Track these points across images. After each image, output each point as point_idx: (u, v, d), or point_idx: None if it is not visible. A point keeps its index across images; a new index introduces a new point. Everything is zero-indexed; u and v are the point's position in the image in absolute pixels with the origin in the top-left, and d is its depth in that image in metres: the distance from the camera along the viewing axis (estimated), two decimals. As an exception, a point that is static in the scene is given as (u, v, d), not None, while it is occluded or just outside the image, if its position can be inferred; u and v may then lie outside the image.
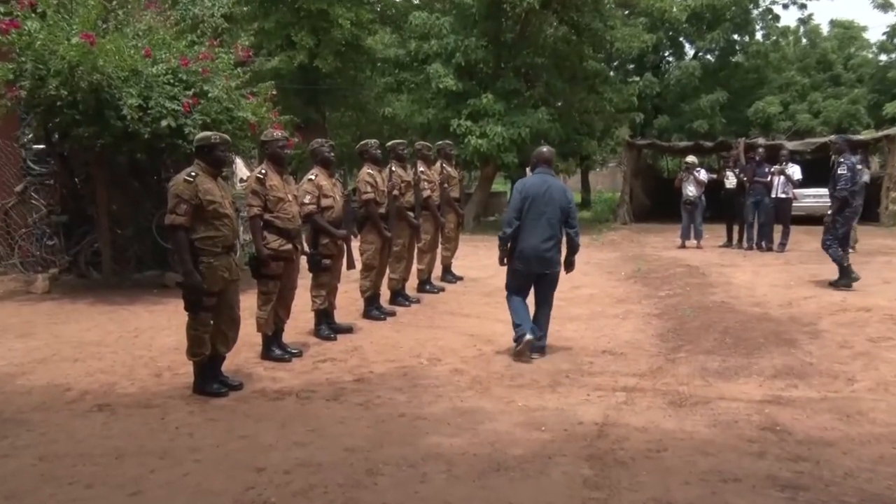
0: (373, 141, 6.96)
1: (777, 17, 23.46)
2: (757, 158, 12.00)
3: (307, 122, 17.27)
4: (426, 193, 7.69)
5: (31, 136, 9.20)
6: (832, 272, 8.18)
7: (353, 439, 3.78)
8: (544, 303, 5.56)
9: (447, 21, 15.80)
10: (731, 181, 12.47)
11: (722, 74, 22.60)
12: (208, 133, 4.79)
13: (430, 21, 15.69)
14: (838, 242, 8.00)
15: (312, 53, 16.96)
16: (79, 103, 7.20)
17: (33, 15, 7.50)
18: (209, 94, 7.77)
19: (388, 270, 7.17)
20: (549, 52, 16.43)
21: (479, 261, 10.28)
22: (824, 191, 8.98)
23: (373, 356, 5.49)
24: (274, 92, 9.60)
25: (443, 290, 8.38)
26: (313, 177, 5.85)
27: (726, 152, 15.24)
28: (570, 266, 5.59)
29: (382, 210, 6.71)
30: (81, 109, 7.26)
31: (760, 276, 9.20)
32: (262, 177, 5.13)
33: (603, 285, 8.84)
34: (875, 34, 47.52)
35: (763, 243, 11.77)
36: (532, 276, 5.45)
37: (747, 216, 11.94)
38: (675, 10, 20.29)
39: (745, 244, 12.06)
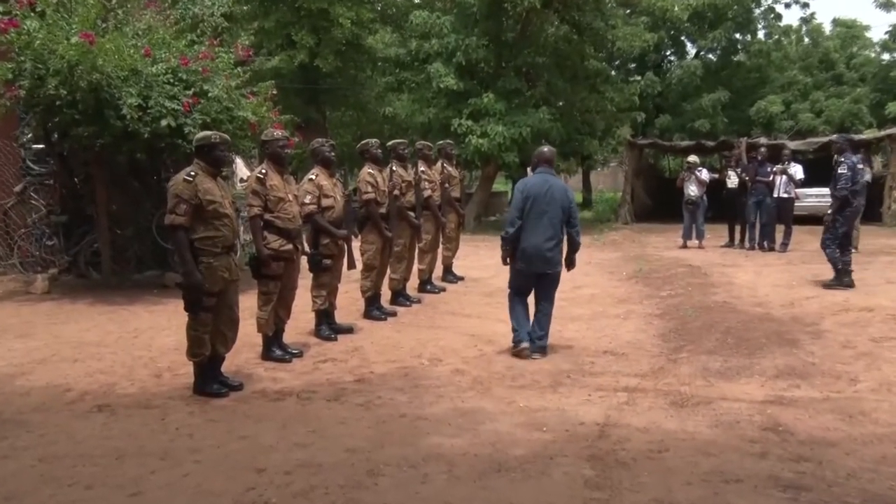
0: (373, 140, 6.94)
1: (779, 16, 23.40)
2: (759, 158, 11.97)
3: (307, 121, 17.28)
4: (427, 193, 7.68)
5: (30, 135, 9.18)
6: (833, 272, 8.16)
7: (353, 440, 3.77)
8: (546, 302, 5.56)
9: (448, 20, 15.78)
10: (732, 181, 12.44)
11: (724, 74, 22.56)
12: (208, 133, 4.77)
13: (431, 20, 15.68)
14: (838, 242, 8.00)
15: (313, 53, 16.96)
16: (78, 103, 7.19)
17: (32, 14, 7.49)
18: (209, 94, 7.76)
19: (388, 270, 7.15)
20: (550, 52, 16.40)
21: (481, 261, 10.26)
22: (826, 190, 8.95)
23: (374, 356, 5.48)
24: (274, 91, 9.60)
25: (444, 290, 8.37)
26: (314, 177, 5.84)
27: (728, 152, 15.21)
28: (570, 264, 5.62)
29: (383, 210, 6.69)
30: (81, 109, 7.25)
31: (762, 276, 9.18)
32: (262, 177, 5.12)
33: (604, 285, 8.83)
34: (878, 33, 47.42)
35: (765, 243, 11.75)
36: (533, 276, 5.47)
37: (749, 216, 11.91)
38: (676, 8, 20.29)
39: (746, 244, 12.04)
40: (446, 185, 8.29)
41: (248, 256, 5.64)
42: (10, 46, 7.34)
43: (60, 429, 3.98)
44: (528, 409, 4.29)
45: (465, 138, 14.81)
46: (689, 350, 5.63)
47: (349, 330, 6.22)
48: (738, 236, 12.37)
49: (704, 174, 12.60)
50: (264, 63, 16.78)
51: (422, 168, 7.73)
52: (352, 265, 6.18)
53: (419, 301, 7.67)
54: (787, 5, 23.60)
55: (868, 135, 18.21)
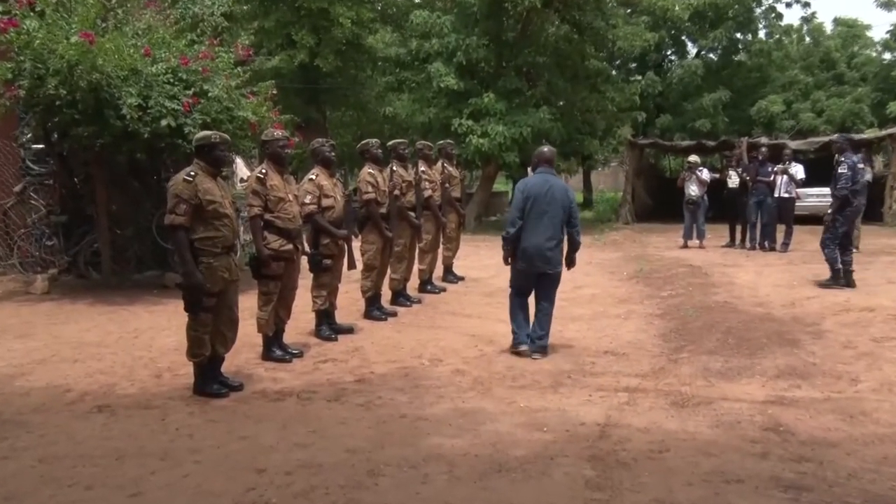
0: (374, 140, 6.93)
1: (780, 16, 23.38)
2: (760, 158, 11.96)
3: (308, 121, 17.27)
4: (427, 193, 7.67)
5: (30, 135, 9.17)
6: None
7: (354, 440, 3.77)
8: (546, 302, 5.55)
9: (448, 20, 15.78)
10: (733, 181, 12.43)
11: (724, 73, 22.55)
12: (208, 132, 4.77)
13: (432, 20, 15.67)
14: (838, 242, 7.99)
15: (313, 52, 16.96)
16: (78, 103, 7.18)
17: (32, 14, 7.48)
18: (209, 94, 7.75)
19: (389, 271, 7.15)
20: (550, 51, 16.39)
21: (481, 261, 10.26)
22: (827, 190, 8.94)
23: (374, 357, 5.48)
24: (274, 91, 9.59)
25: (444, 290, 8.36)
26: (314, 177, 5.83)
27: (729, 152, 15.20)
28: (570, 262, 5.63)
29: (383, 210, 6.69)
30: (81, 109, 7.24)
31: (763, 276, 9.17)
32: (262, 176, 5.11)
33: (605, 285, 8.82)
34: (879, 32, 47.36)
35: (766, 243, 11.74)
36: (534, 275, 5.48)
37: (750, 216, 11.90)
38: (677, 8, 20.27)
39: (747, 244, 12.03)
40: (447, 185, 8.28)
41: (248, 256, 5.63)
42: (10, 46, 7.33)
43: (60, 429, 3.97)
44: (529, 409, 4.28)
45: (465, 138, 14.80)
46: (690, 350, 5.62)
47: (349, 330, 6.21)
48: (738, 236, 12.36)
49: (705, 174, 12.58)
50: (264, 63, 16.77)
51: (422, 168, 7.72)
52: (352, 265, 6.17)
53: (419, 301, 7.66)
54: (788, 5, 23.59)
55: (869, 134, 18.19)
